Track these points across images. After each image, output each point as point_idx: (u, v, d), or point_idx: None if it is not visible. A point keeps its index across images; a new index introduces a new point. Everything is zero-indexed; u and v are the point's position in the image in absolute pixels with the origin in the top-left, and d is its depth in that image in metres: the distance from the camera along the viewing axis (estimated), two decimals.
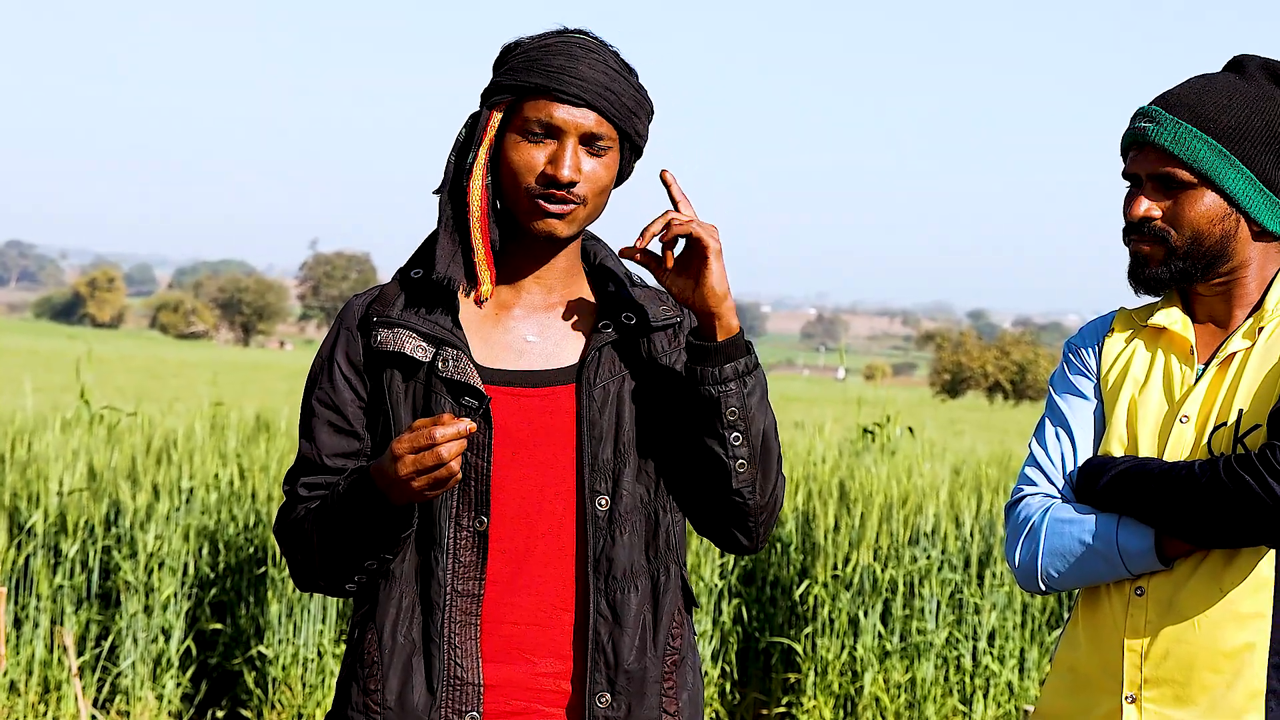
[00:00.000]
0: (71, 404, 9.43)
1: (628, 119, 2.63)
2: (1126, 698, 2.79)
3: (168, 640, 7.43)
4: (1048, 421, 2.98)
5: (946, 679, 7.81)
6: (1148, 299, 2.99)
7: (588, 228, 2.75)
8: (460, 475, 2.47)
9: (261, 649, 7.44)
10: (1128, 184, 2.91)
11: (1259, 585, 2.74)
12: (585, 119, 2.60)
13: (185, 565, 7.58)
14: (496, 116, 2.64)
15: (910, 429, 9.93)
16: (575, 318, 2.72)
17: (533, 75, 2.60)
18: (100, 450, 8.11)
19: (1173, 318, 2.91)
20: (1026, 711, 7.55)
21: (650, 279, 2.79)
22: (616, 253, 2.79)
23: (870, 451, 9.31)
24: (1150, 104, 2.88)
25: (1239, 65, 2.89)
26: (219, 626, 7.63)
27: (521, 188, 2.62)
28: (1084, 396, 2.96)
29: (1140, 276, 2.89)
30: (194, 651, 7.56)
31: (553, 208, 2.61)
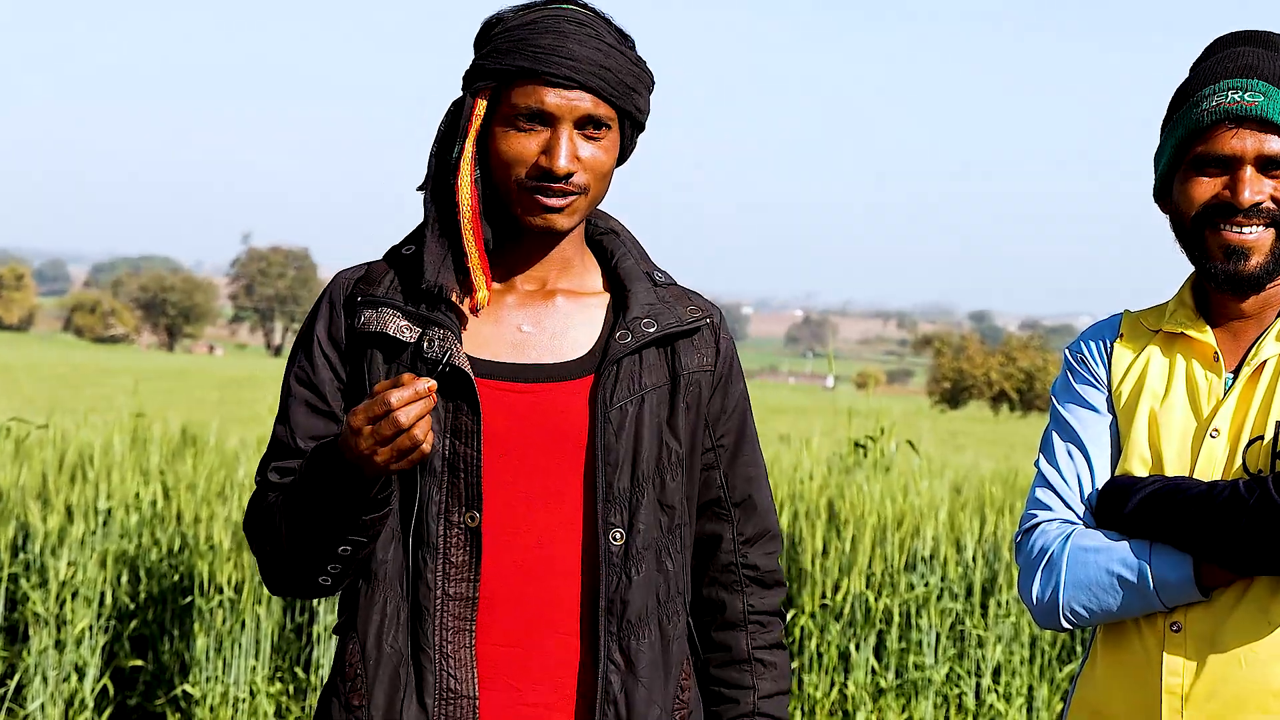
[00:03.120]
0: None
1: (626, 96, 2.62)
2: None
3: (82, 679, 7.39)
4: (1056, 437, 2.95)
5: (947, 719, 7.81)
6: (1150, 299, 2.98)
7: (605, 213, 2.77)
8: (430, 443, 2.44)
9: (187, 688, 7.40)
10: (1214, 168, 2.85)
11: None
12: (580, 102, 2.58)
13: (102, 595, 7.54)
14: (481, 104, 2.62)
15: (908, 442, 9.94)
16: (578, 311, 2.70)
17: (518, 58, 2.57)
18: (7, 467, 8.07)
19: (1189, 321, 2.89)
20: None
21: (677, 276, 2.81)
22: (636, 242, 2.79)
23: (862, 468, 9.30)
24: (1241, 78, 2.83)
25: (1265, 40, 2.88)
26: (139, 663, 7.59)
27: (513, 180, 2.61)
28: (1094, 409, 2.94)
29: (1239, 274, 2.83)
30: (111, 691, 7.52)
31: (550, 201, 2.60)
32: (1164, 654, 2.78)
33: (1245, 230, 2.81)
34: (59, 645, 7.37)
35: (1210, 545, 2.70)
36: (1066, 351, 3.03)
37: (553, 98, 2.57)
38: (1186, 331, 2.89)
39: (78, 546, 7.53)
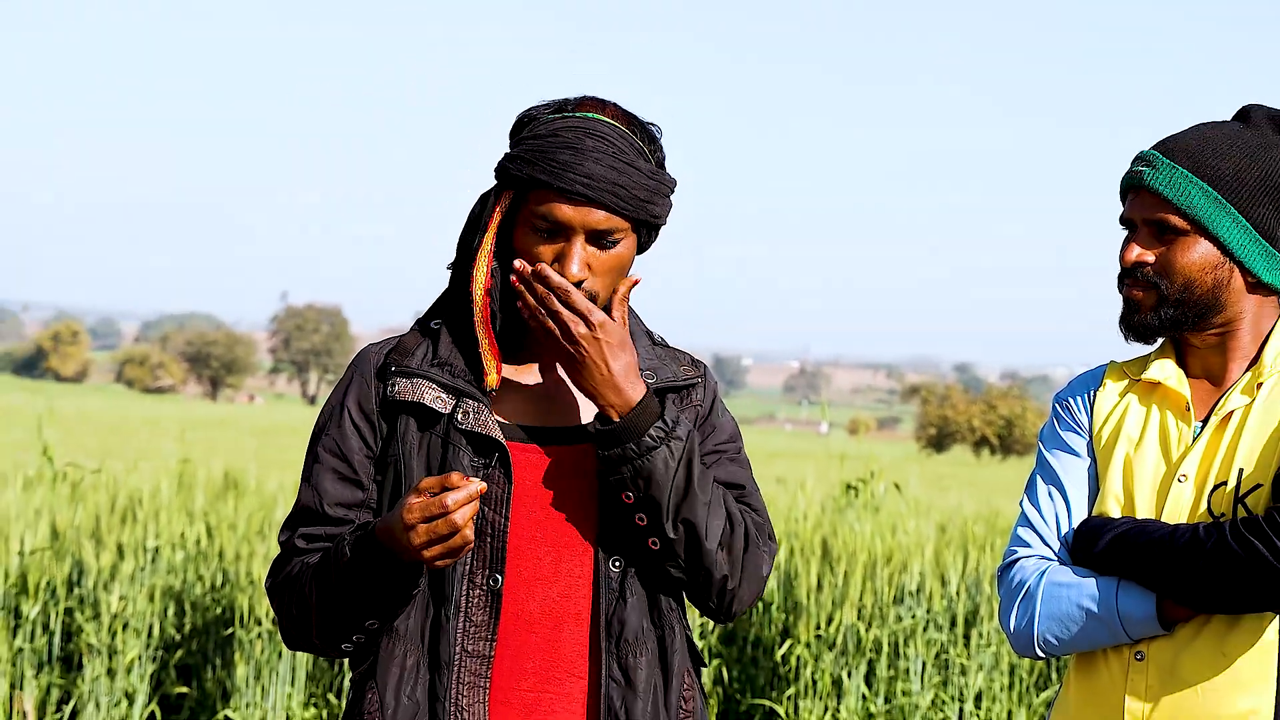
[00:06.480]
0: (34, 461, 9.39)
1: (640, 209, 2.59)
2: None
3: (131, 705, 7.37)
4: (1039, 479, 2.96)
5: None
6: (1138, 350, 2.98)
7: None
8: (473, 542, 2.45)
9: (228, 713, 7.38)
10: (1124, 230, 2.91)
11: (1263, 650, 2.72)
12: (592, 217, 2.56)
13: (150, 627, 7.53)
14: (502, 205, 2.62)
15: (896, 485, 9.93)
16: None
17: (537, 170, 2.56)
18: (63, 509, 8.06)
19: (1167, 372, 2.89)
20: None
21: (671, 339, 2.82)
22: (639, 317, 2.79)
23: (854, 508, 9.30)
24: (1150, 149, 2.87)
25: (1245, 114, 2.88)
26: (184, 690, 7.57)
27: None
28: (1076, 454, 2.94)
29: (1131, 323, 2.87)
30: (159, 716, 7.50)
31: None
32: (1128, 682, 2.79)
33: (1133, 290, 2.86)
34: (110, 673, 7.35)
35: (1171, 584, 2.71)
36: (1055, 400, 3.04)
37: (567, 211, 2.55)
38: (1163, 381, 2.89)
39: (128, 582, 7.52)
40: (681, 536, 2.60)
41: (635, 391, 2.58)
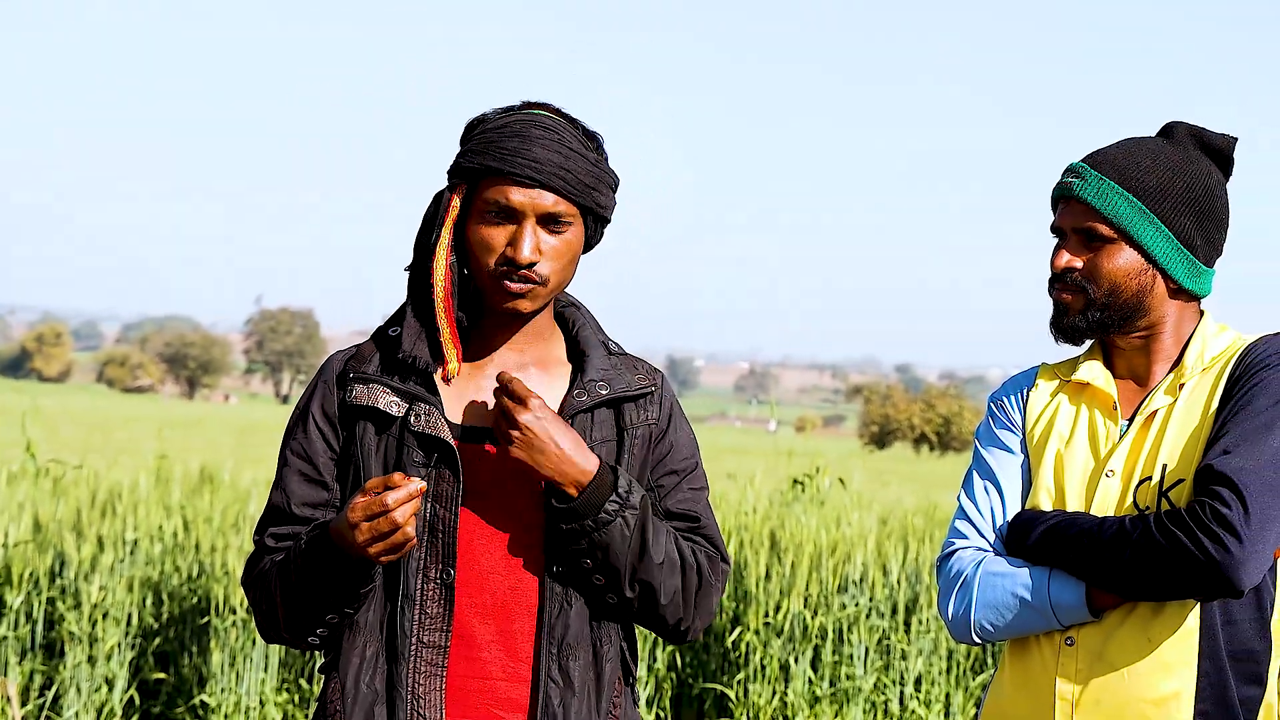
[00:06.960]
0: (18, 457, 9.33)
1: (586, 194, 2.59)
2: None
3: (111, 690, 7.33)
4: (975, 475, 2.97)
5: None
6: (1068, 351, 3.00)
7: (567, 292, 2.76)
8: (415, 540, 2.45)
9: (204, 698, 7.35)
10: (1055, 237, 2.93)
11: (1185, 635, 2.74)
12: (541, 200, 2.56)
13: (129, 615, 7.49)
14: (457, 198, 2.62)
15: (840, 480, 9.95)
16: (547, 379, 2.70)
17: (488, 158, 2.57)
18: (46, 502, 8.01)
19: (1095, 373, 2.92)
20: None
21: (628, 346, 2.81)
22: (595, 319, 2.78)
23: (800, 502, 9.31)
24: (1079, 161, 2.90)
25: (1168, 130, 2.92)
26: (162, 676, 7.53)
27: (485, 269, 2.60)
28: (1010, 450, 2.96)
29: (1060, 325, 2.90)
30: (137, 701, 7.46)
31: (514, 287, 2.59)
32: (1058, 665, 2.81)
33: (1063, 294, 2.89)
34: (91, 660, 7.31)
35: (1099, 573, 2.73)
36: (990, 400, 3.06)
37: (517, 195, 2.56)
38: (1091, 382, 2.92)
39: (108, 573, 7.48)
40: (638, 594, 2.61)
41: (589, 463, 2.57)
